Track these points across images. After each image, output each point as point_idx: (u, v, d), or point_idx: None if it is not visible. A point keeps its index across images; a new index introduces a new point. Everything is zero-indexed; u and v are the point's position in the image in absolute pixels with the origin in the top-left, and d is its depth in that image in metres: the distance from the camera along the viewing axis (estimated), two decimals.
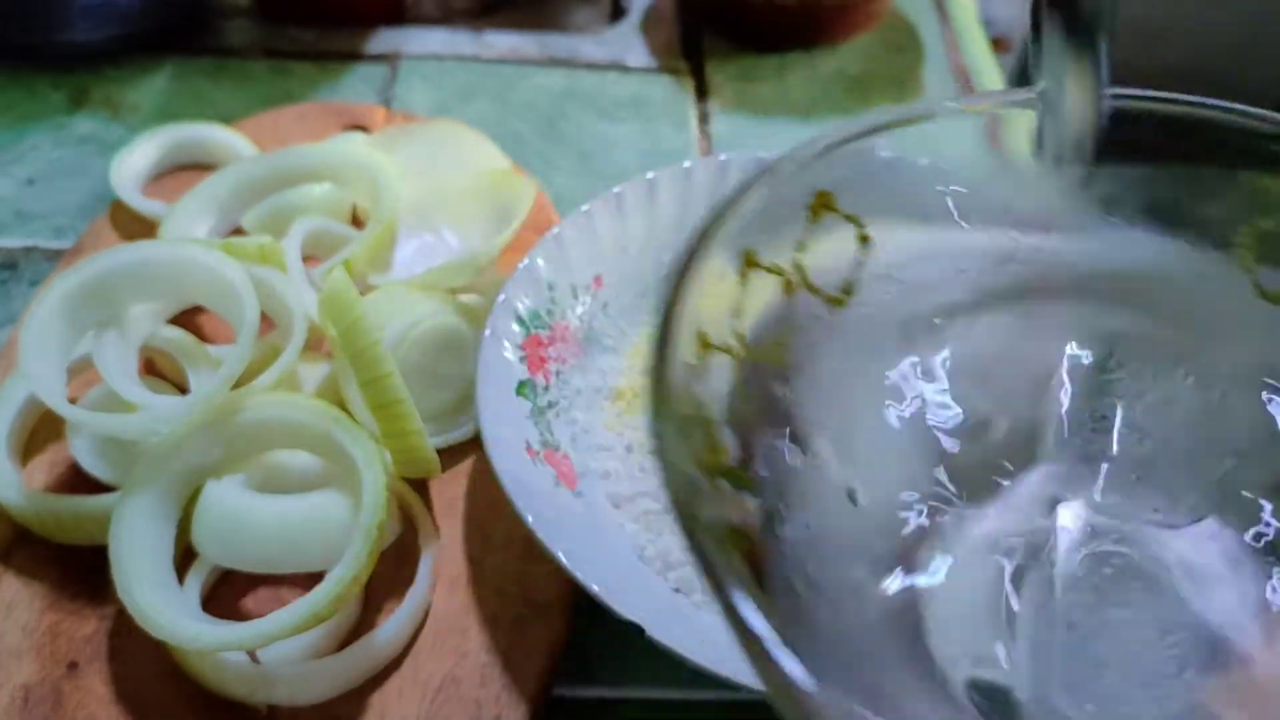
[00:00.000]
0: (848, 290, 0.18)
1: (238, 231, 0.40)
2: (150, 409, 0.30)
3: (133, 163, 0.43)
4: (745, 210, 0.16)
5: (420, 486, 0.34)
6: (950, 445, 0.18)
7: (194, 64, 0.51)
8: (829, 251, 0.17)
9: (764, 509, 0.16)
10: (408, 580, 0.31)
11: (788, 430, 0.17)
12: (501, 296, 0.34)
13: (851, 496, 0.18)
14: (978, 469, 0.18)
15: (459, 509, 0.33)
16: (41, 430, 0.34)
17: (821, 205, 0.17)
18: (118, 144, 0.44)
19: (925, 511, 0.18)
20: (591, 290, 0.37)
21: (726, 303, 0.16)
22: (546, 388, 0.34)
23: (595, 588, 0.28)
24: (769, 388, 0.17)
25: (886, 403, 0.19)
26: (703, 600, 0.31)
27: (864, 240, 0.18)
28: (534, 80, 0.52)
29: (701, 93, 0.53)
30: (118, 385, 0.31)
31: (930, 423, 0.18)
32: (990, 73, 0.55)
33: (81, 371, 0.34)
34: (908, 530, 0.18)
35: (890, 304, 0.18)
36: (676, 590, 0.31)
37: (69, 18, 0.48)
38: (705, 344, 0.15)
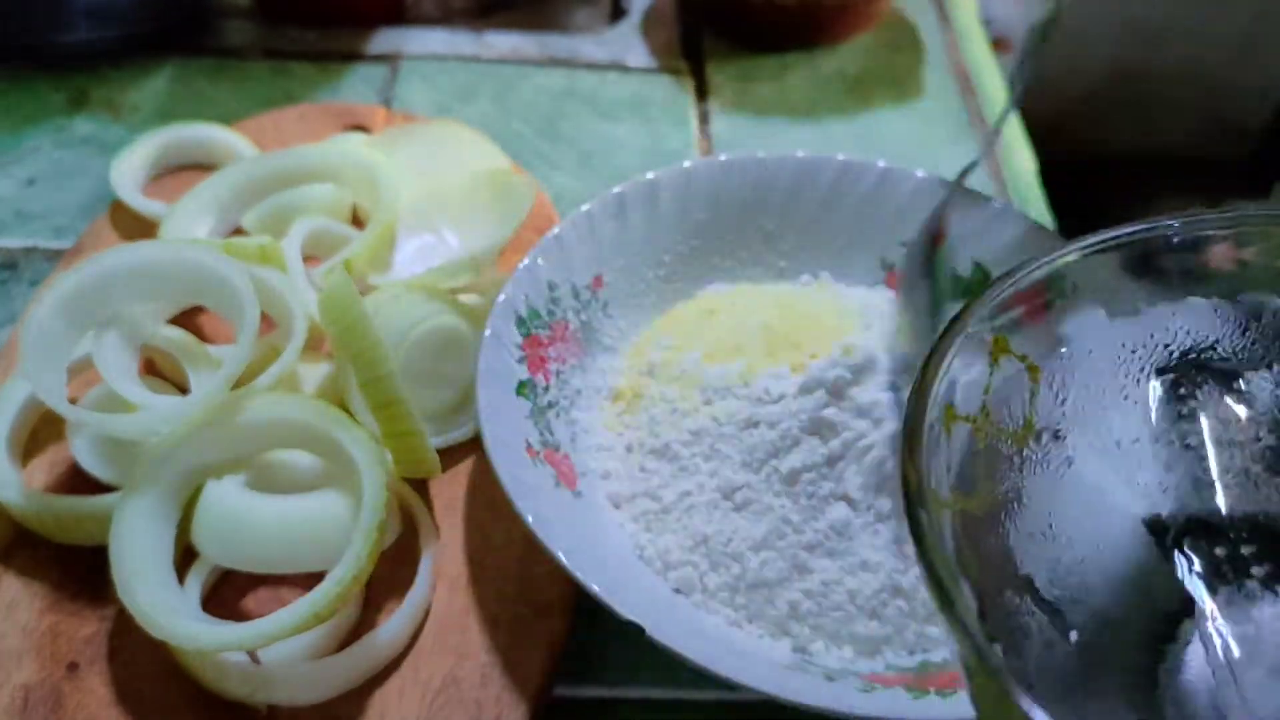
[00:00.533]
0: (1029, 426, 0.19)
1: (238, 232, 0.40)
2: (150, 409, 0.30)
3: (133, 163, 0.43)
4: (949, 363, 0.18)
5: (420, 487, 0.34)
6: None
7: (194, 64, 0.51)
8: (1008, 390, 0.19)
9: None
10: (408, 580, 0.31)
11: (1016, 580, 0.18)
12: (502, 296, 0.34)
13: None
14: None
15: (459, 509, 0.33)
16: (42, 430, 0.34)
17: (999, 349, 0.18)
18: (118, 144, 0.44)
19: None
20: (592, 290, 0.37)
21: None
22: (546, 388, 0.34)
23: (595, 588, 0.28)
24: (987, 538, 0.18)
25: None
26: (702, 600, 0.31)
27: (1033, 373, 0.19)
28: (534, 80, 0.52)
29: (701, 93, 0.53)
30: (118, 385, 0.31)
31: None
32: (991, 73, 0.55)
33: (82, 371, 0.34)
34: None
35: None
36: (676, 590, 0.31)
37: (70, 19, 0.48)
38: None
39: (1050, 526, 0.19)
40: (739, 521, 0.31)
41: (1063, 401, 0.19)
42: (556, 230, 0.36)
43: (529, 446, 0.32)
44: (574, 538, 0.30)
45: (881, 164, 0.39)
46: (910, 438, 0.17)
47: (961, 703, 0.27)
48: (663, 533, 0.32)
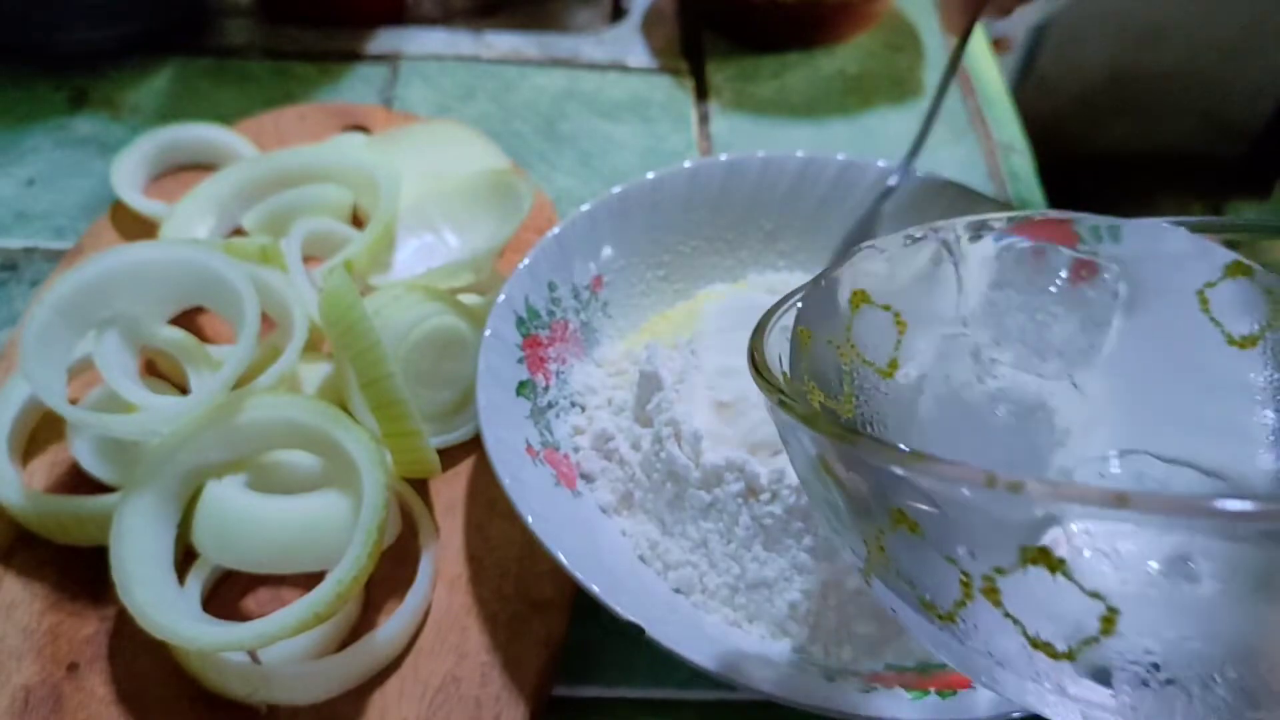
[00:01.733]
0: (893, 365, 0.25)
1: (238, 232, 0.40)
2: (151, 409, 0.30)
3: (133, 163, 0.43)
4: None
5: (420, 487, 0.34)
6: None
7: (195, 64, 0.51)
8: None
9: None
10: (408, 580, 0.31)
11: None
12: (501, 297, 0.34)
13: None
14: None
15: (459, 509, 0.33)
16: (42, 431, 0.34)
17: (858, 299, 0.24)
18: (118, 144, 0.44)
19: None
20: (592, 290, 0.37)
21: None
22: (546, 388, 0.34)
23: (595, 588, 0.28)
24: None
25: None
26: (702, 600, 0.31)
27: (899, 325, 0.25)
28: (534, 80, 0.52)
29: (701, 93, 0.53)
30: (118, 386, 0.31)
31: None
32: (991, 73, 0.55)
33: (82, 372, 0.34)
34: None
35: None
36: (676, 590, 0.31)
37: (70, 18, 0.48)
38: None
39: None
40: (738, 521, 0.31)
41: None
42: (556, 230, 0.36)
43: (529, 446, 0.32)
44: (573, 538, 0.30)
45: (881, 162, 0.40)
46: (759, 330, 0.23)
47: (962, 703, 0.27)
48: (663, 534, 0.32)
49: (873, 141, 0.50)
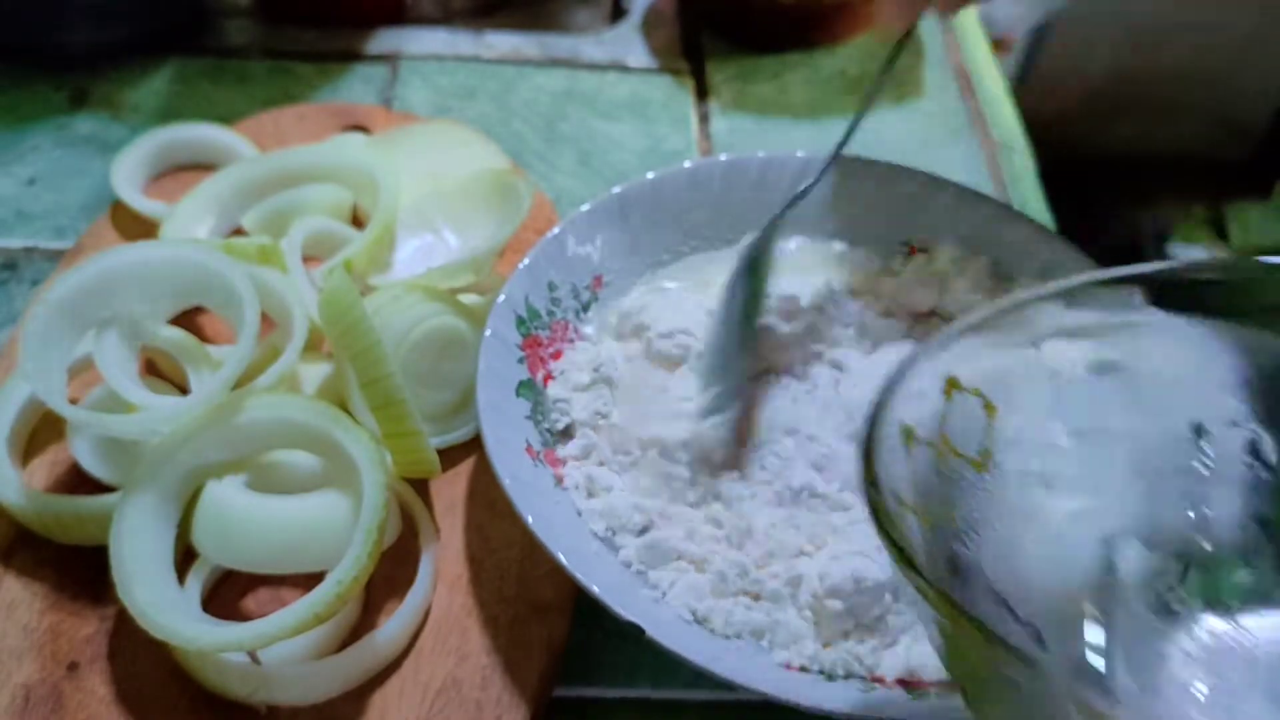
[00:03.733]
0: (985, 455, 0.22)
1: (238, 232, 0.40)
2: (151, 409, 0.30)
3: (133, 163, 0.43)
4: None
5: (420, 487, 0.34)
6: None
7: (195, 64, 0.51)
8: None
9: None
10: (408, 581, 0.31)
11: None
12: (502, 297, 0.34)
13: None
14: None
15: (459, 509, 0.33)
16: (42, 430, 0.34)
17: (951, 386, 0.22)
18: (118, 144, 0.44)
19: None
20: (592, 290, 0.37)
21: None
22: (546, 388, 0.34)
23: (595, 589, 0.28)
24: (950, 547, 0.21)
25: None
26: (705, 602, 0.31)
27: (989, 410, 0.22)
28: (534, 80, 0.52)
29: (701, 93, 0.53)
30: (118, 386, 0.31)
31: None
32: (991, 73, 0.55)
33: (82, 372, 0.34)
34: None
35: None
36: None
37: (70, 18, 0.48)
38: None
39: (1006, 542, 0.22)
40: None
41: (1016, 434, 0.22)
42: (556, 230, 0.36)
43: (529, 447, 0.32)
44: (574, 538, 0.30)
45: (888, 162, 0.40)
46: (868, 443, 0.20)
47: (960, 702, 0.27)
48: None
49: (872, 142, 0.50)
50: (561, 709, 0.31)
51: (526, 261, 0.35)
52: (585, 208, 0.37)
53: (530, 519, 0.29)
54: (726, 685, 0.26)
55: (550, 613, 0.31)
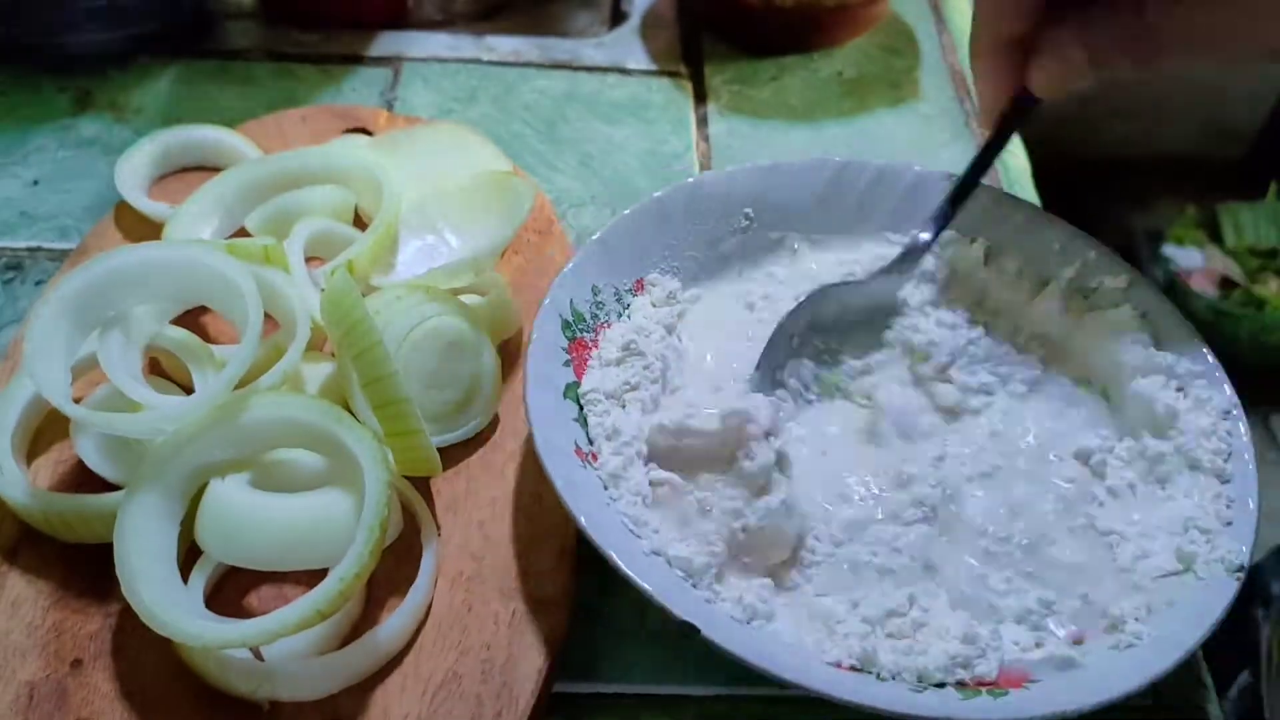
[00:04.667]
0: None
1: (242, 233, 0.40)
2: (155, 408, 0.31)
3: (137, 164, 0.43)
4: None
5: (422, 485, 0.34)
6: None
7: (198, 66, 0.52)
8: None
9: None
10: (410, 577, 0.31)
11: None
12: (547, 299, 0.34)
13: None
14: None
15: (460, 507, 0.34)
16: (47, 429, 0.34)
17: None
18: (122, 146, 0.44)
19: None
20: (634, 293, 0.37)
21: None
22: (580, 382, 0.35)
23: (647, 587, 0.28)
24: None
25: None
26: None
27: None
28: (535, 83, 0.53)
29: (700, 96, 0.53)
30: (123, 385, 0.31)
31: None
32: None
33: (87, 371, 0.34)
34: None
35: None
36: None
37: (74, 20, 0.48)
38: None
39: None
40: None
41: None
42: (600, 234, 0.36)
43: (578, 449, 0.32)
44: (622, 537, 0.30)
45: (918, 167, 0.40)
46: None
47: (1011, 703, 0.27)
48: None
49: (869, 144, 0.51)
50: (562, 704, 0.31)
51: (570, 265, 0.35)
52: (627, 211, 0.37)
53: (583, 520, 0.29)
54: (780, 684, 0.27)
55: (550, 608, 0.31)
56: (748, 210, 0.39)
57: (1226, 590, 0.29)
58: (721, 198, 0.39)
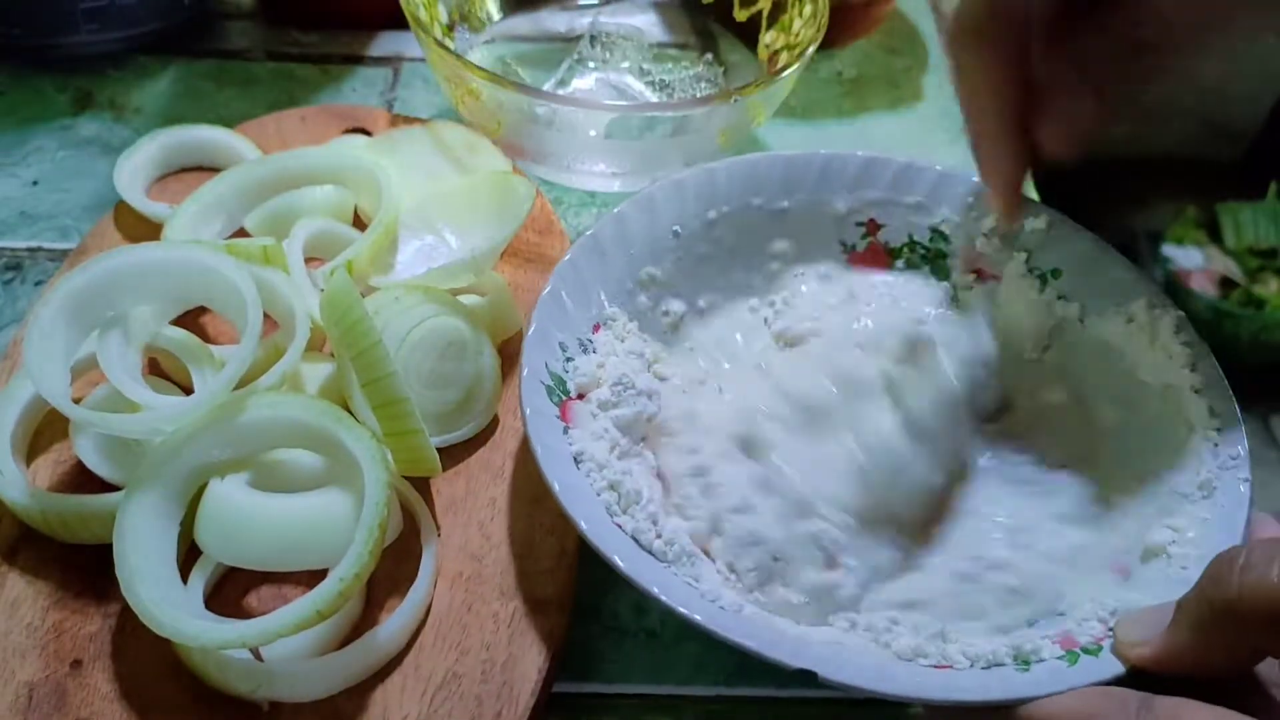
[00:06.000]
0: None
1: (241, 233, 0.40)
2: (154, 409, 0.31)
3: (136, 164, 0.43)
4: None
5: (421, 485, 0.34)
6: None
7: (197, 66, 0.52)
8: None
9: None
10: (409, 578, 0.31)
11: None
12: (547, 289, 0.33)
13: None
14: None
15: (460, 507, 0.34)
16: (46, 430, 0.34)
17: None
18: (122, 146, 0.44)
19: None
20: (593, 334, 0.35)
21: None
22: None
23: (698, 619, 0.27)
24: None
25: None
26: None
27: None
28: None
29: None
30: (122, 385, 0.31)
31: None
32: None
33: (86, 371, 0.34)
34: None
35: None
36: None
37: (74, 20, 0.48)
38: None
39: None
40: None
41: None
42: (548, 288, 0.34)
43: (611, 514, 0.31)
44: (622, 542, 0.29)
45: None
46: None
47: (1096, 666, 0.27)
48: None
49: (870, 145, 0.51)
50: (561, 704, 0.31)
51: (569, 255, 0.34)
52: (566, 256, 0.35)
53: (584, 525, 0.28)
54: (818, 685, 0.26)
55: (550, 609, 0.31)
56: (676, 229, 0.37)
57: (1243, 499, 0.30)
58: (647, 223, 0.36)
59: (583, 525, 0.28)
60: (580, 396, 0.33)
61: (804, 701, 0.32)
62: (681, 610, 0.27)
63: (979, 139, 0.33)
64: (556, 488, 0.29)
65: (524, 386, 0.31)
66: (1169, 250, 1.20)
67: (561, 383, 0.33)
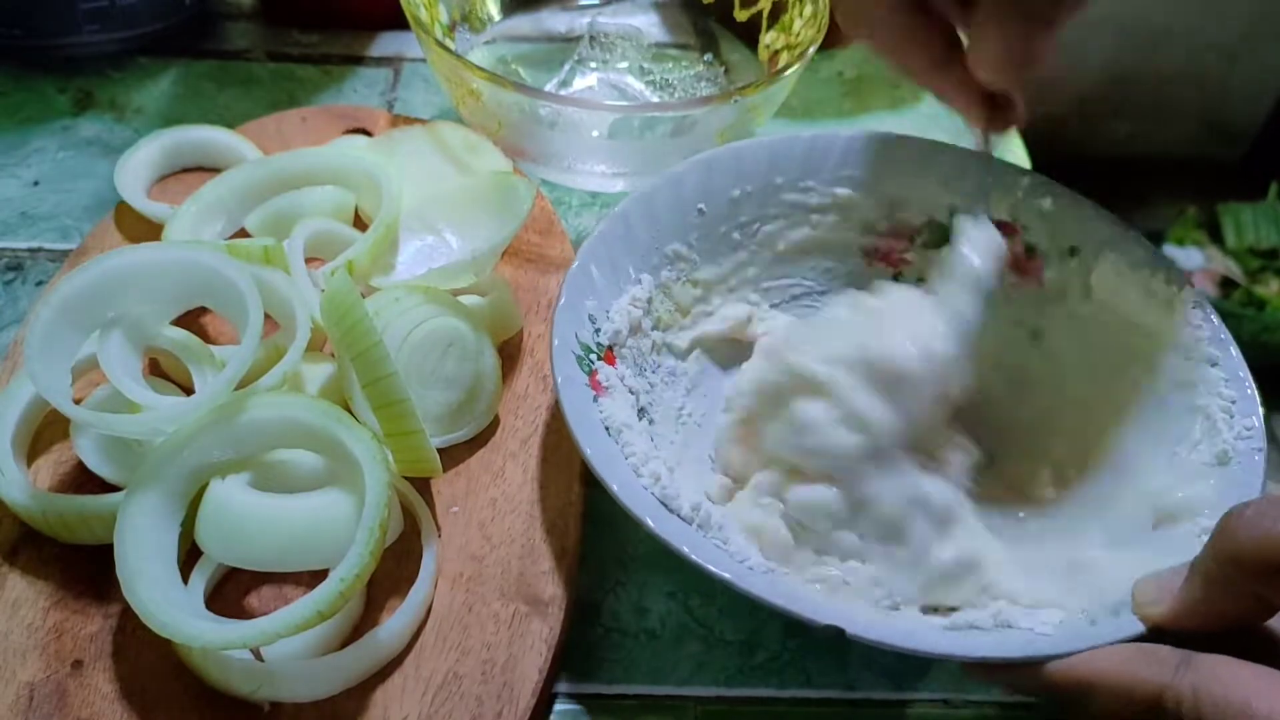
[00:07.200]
0: None
1: (242, 233, 0.40)
2: (155, 409, 0.31)
3: (137, 165, 0.43)
4: None
5: (422, 486, 0.34)
6: None
7: (198, 67, 0.52)
8: None
9: None
10: (410, 578, 0.31)
11: None
12: (575, 264, 0.34)
13: None
14: None
15: (460, 508, 0.34)
16: (47, 430, 0.34)
17: None
18: (122, 146, 0.44)
19: None
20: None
21: None
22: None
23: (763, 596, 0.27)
24: None
25: None
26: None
27: None
28: None
29: None
30: (123, 386, 0.31)
31: None
32: None
33: (87, 372, 0.34)
34: None
35: None
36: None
37: (74, 21, 0.48)
38: None
39: None
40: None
41: None
42: (575, 263, 0.34)
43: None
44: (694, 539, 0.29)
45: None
46: None
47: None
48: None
49: None
50: (561, 705, 0.31)
51: (561, 301, 0.34)
52: (594, 232, 0.35)
53: (650, 522, 0.28)
54: (871, 646, 0.26)
55: (550, 609, 0.31)
56: (700, 206, 0.38)
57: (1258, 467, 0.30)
58: (766, 162, 0.38)
59: (614, 488, 0.29)
60: (609, 351, 0.34)
61: (804, 702, 0.32)
62: (711, 568, 0.27)
63: (923, 85, 0.34)
64: (589, 453, 0.29)
65: (555, 355, 0.32)
66: (1169, 250, 1.20)
67: (590, 352, 0.33)
